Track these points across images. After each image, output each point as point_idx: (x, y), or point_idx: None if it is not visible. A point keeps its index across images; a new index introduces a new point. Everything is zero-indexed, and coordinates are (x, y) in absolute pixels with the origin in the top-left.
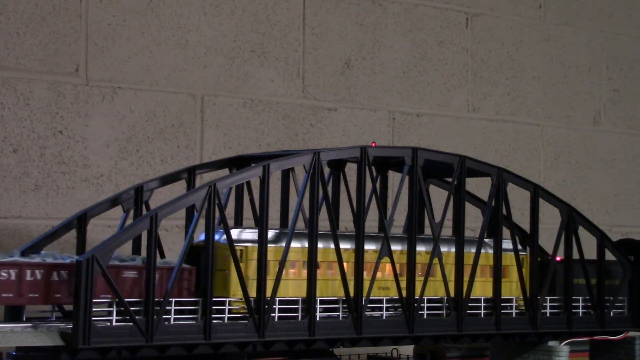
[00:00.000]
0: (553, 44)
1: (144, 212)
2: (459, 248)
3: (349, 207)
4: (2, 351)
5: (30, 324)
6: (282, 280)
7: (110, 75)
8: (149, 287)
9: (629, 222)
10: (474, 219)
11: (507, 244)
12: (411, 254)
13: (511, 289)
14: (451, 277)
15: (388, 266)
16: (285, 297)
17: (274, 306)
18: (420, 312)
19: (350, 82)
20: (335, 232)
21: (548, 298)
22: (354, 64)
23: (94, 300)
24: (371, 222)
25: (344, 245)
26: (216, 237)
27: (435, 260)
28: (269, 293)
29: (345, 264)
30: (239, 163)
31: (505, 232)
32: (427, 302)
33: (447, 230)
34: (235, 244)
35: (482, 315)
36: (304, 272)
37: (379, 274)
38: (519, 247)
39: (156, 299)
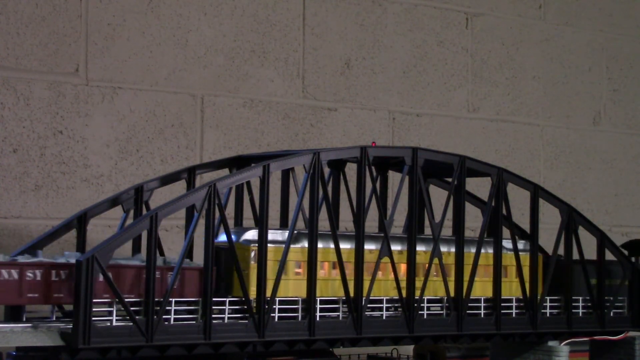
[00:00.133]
0: (553, 44)
1: (144, 212)
2: (459, 248)
3: (349, 207)
4: (2, 351)
5: (30, 324)
6: (300, 281)
7: (110, 75)
8: (149, 287)
9: (629, 222)
10: (474, 219)
11: (518, 244)
12: (411, 254)
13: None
14: (452, 277)
15: (403, 266)
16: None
17: (274, 306)
18: (420, 312)
19: (350, 82)
20: (335, 232)
21: (548, 298)
22: (354, 64)
23: (93, 300)
24: (371, 222)
25: (347, 246)
26: (235, 238)
27: (435, 260)
28: (285, 293)
29: (350, 264)
30: (239, 163)
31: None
32: (427, 302)
33: (447, 230)
34: (252, 245)
35: (482, 315)
36: (321, 272)
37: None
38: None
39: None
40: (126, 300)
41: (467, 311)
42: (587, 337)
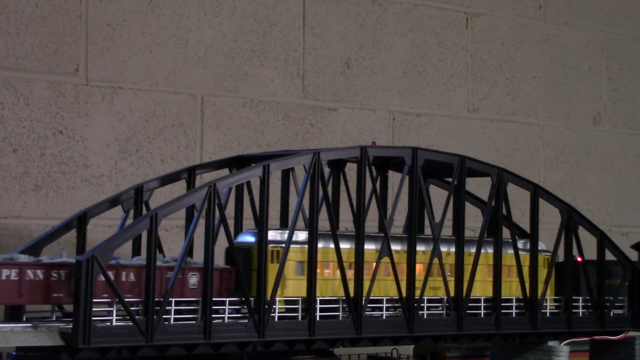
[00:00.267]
0: (553, 44)
1: (144, 212)
2: (459, 248)
3: (349, 207)
4: (2, 351)
5: (30, 324)
6: (318, 281)
7: (110, 75)
8: (149, 287)
9: (629, 222)
10: (474, 219)
11: (525, 245)
12: (411, 254)
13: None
14: (452, 277)
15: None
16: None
17: (274, 306)
18: (420, 312)
19: (350, 82)
20: (335, 232)
21: (548, 298)
22: (354, 64)
23: (94, 300)
24: (371, 222)
25: (370, 247)
26: (253, 239)
27: (435, 260)
28: (300, 293)
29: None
30: (239, 163)
31: (511, 232)
32: (427, 302)
33: (447, 230)
34: (272, 245)
35: (482, 315)
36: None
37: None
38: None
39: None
40: (127, 300)
41: (467, 311)
42: (587, 337)
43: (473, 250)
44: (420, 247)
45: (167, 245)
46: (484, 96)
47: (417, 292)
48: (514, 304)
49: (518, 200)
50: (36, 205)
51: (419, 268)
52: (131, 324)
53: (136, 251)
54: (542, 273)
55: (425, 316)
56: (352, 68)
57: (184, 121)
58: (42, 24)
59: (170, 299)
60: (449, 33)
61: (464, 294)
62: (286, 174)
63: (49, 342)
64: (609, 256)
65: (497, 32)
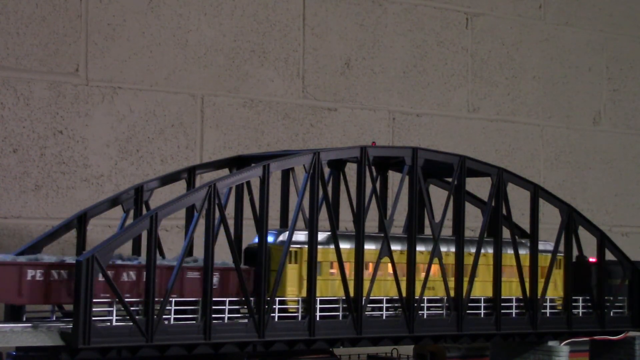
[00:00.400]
0: (553, 44)
1: (144, 212)
2: (459, 248)
3: (349, 207)
4: (2, 351)
5: (30, 324)
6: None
7: (110, 75)
8: (149, 287)
9: (629, 222)
10: (474, 219)
11: (543, 245)
12: (411, 254)
13: (553, 289)
14: (452, 277)
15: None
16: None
17: (274, 306)
18: (420, 312)
19: (350, 82)
20: (335, 232)
21: (548, 298)
22: (354, 64)
23: (94, 300)
24: (371, 222)
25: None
26: (271, 239)
27: (435, 260)
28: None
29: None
30: (239, 163)
31: (511, 232)
32: (427, 302)
33: (447, 230)
34: (290, 246)
35: (482, 315)
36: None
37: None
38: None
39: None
40: (127, 300)
41: (467, 311)
42: (587, 337)
43: (473, 250)
44: (420, 247)
45: (167, 245)
46: (484, 96)
47: (417, 292)
48: (514, 304)
49: (518, 200)
50: (36, 205)
51: (419, 268)
52: (131, 324)
53: (136, 251)
54: (557, 274)
55: (425, 316)
56: (352, 68)
57: (184, 121)
58: (42, 24)
59: (171, 299)
60: (449, 33)
61: (464, 294)
62: (286, 174)
63: (49, 342)
64: (609, 256)
65: (497, 32)
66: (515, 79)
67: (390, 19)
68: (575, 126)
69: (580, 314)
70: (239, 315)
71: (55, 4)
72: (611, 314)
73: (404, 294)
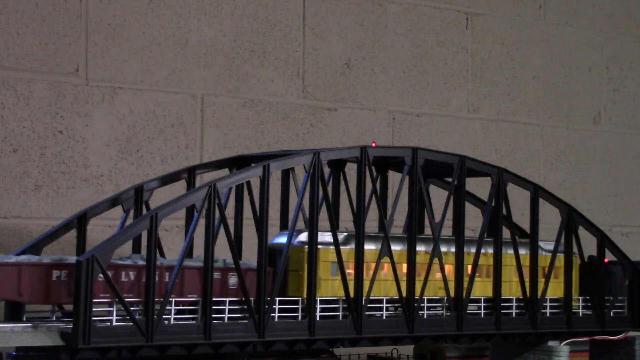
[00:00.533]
0: (553, 44)
1: (144, 212)
2: (459, 248)
3: (349, 207)
4: (2, 351)
5: (30, 324)
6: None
7: (110, 75)
8: (149, 287)
9: (629, 222)
10: (474, 219)
11: (545, 245)
12: (411, 254)
13: (569, 289)
14: (452, 277)
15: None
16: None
17: (274, 306)
18: (420, 312)
19: (350, 82)
20: (335, 232)
21: (548, 298)
22: (354, 64)
23: (94, 300)
24: (371, 222)
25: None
26: (282, 240)
27: (435, 260)
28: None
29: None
30: (239, 163)
31: (511, 232)
32: (427, 302)
33: (447, 230)
34: (307, 247)
35: (482, 315)
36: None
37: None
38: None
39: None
40: (128, 300)
41: (467, 311)
42: (587, 337)
43: (473, 250)
44: (420, 247)
45: (167, 245)
46: (484, 96)
47: (417, 292)
48: (514, 304)
49: (518, 200)
50: (36, 205)
51: (419, 268)
52: (131, 324)
53: (136, 251)
54: (572, 275)
55: (425, 316)
56: (352, 68)
57: (184, 121)
58: (42, 24)
59: (171, 299)
60: (449, 33)
61: (464, 294)
62: (286, 174)
63: (49, 342)
64: (609, 256)
65: (497, 32)
66: (515, 79)
67: (390, 19)
68: (575, 126)
69: (580, 314)
70: (239, 315)
71: (55, 4)
72: (611, 314)
73: (404, 294)
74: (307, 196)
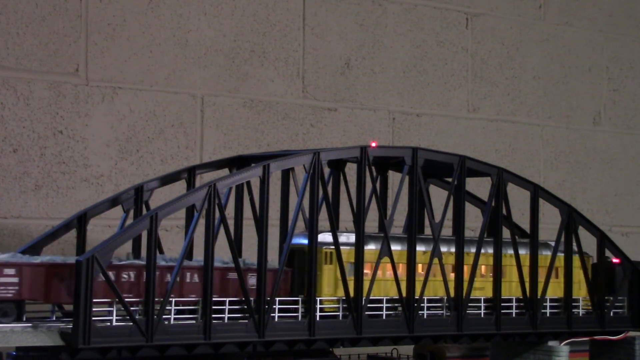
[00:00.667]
0: (553, 44)
1: (144, 212)
2: (459, 248)
3: (349, 207)
4: (2, 351)
5: (30, 324)
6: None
7: (110, 75)
8: (149, 287)
9: (629, 222)
10: (474, 219)
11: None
12: (411, 254)
13: (579, 290)
14: (452, 277)
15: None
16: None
17: (274, 306)
18: (420, 312)
19: (350, 82)
20: (335, 232)
21: (548, 298)
22: (354, 64)
23: (95, 300)
24: (371, 222)
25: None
26: (307, 241)
27: (435, 260)
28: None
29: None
30: (239, 163)
31: (511, 232)
32: (427, 302)
33: (447, 230)
34: (325, 247)
35: (482, 315)
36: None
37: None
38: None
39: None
40: (127, 300)
41: (467, 311)
42: (587, 337)
43: (473, 250)
44: (420, 247)
45: (167, 245)
46: (484, 96)
47: (417, 292)
48: (514, 303)
49: (518, 200)
50: (36, 205)
51: (419, 268)
52: (131, 324)
53: (136, 251)
54: (578, 274)
55: (425, 316)
56: (352, 68)
57: (184, 121)
58: (42, 24)
59: (171, 299)
60: (449, 33)
61: (464, 294)
62: (286, 174)
63: (49, 342)
64: (609, 256)
65: (497, 32)
66: (515, 79)
67: (390, 19)
68: (575, 126)
69: (580, 314)
70: (239, 315)
71: (55, 4)
72: (611, 314)
73: (404, 294)
74: (307, 196)
